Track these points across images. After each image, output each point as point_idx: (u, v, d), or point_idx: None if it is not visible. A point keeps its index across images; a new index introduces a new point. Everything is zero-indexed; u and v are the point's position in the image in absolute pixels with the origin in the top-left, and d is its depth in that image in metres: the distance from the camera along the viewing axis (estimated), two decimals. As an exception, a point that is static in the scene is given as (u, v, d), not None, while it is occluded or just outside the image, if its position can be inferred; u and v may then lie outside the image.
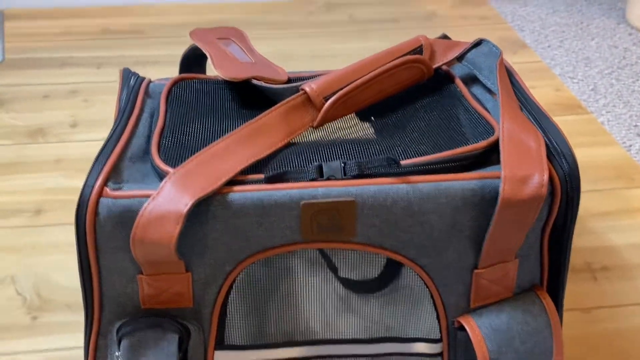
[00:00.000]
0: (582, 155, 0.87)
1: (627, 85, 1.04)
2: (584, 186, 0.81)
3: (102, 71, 1.07)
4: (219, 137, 0.47)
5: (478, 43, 0.53)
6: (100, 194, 0.41)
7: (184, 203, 0.39)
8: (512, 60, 1.10)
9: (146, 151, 0.45)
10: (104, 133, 0.90)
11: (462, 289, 0.45)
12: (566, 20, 1.26)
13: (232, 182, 0.41)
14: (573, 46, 1.16)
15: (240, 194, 0.41)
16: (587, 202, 0.79)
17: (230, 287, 0.44)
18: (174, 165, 0.43)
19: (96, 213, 0.40)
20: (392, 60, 0.50)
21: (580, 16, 1.27)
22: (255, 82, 0.51)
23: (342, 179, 0.41)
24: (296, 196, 0.41)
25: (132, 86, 0.51)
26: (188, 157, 0.43)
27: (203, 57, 0.60)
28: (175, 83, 0.53)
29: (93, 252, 0.42)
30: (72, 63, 1.09)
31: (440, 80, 0.53)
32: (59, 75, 1.06)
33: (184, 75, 0.54)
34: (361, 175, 0.41)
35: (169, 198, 0.39)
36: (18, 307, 0.64)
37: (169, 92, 0.51)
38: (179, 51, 1.08)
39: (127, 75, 0.53)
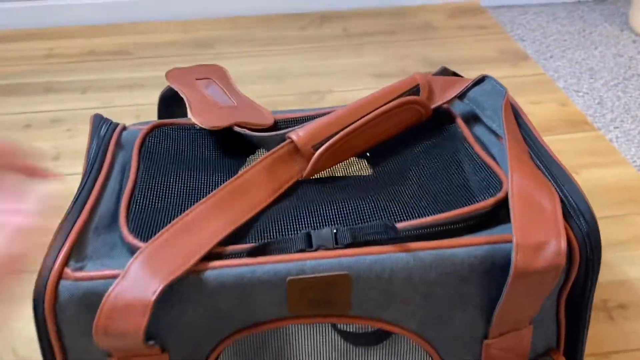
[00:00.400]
0: (591, 177, 0.83)
1: (635, 98, 1.00)
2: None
3: (87, 96, 1.02)
4: (198, 197, 0.42)
5: (481, 80, 0.49)
6: (59, 276, 0.36)
7: (151, 290, 0.35)
8: (514, 73, 1.06)
9: (114, 217, 0.41)
10: (88, 165, 0.86)
11: (471, 360, 0.40)
12: (568, 27, 1.21)
13: (210, 256, 0.37)
14: (576, 56, 1.11)
15: (217, 271, 0.37)
16: (598, 229, 0.75)
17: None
18: (144, 236, 0.38)
19: (56, 297, 0.36)
20: (387, 102, 0.46)
21: (582, 23, 1.23)
22: (237, 129, 0.46)
23: (334, 248, 0.37)
24: (282, 271, 0.36)
25: (102, 136, 0.47)
26: (161, 226, 0.39)
27: (178, 96, 0.56)
28: (150, 132, 0.48)
29: (55, 337, 0.37)
30: (56, 88, 1.05)
31: (440, 121, 0.49)
32: (42, 102, 1.01)
33: (160, 122, 0.50)
34: (355, 244, 0.37)
35: (135, 283, 0.35)
36: (-6, 367, 0.60)
37: (142, 143, 0.47)
38: (164, 71, 1.02)
39: (97, 123, 0.49)
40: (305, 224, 0.39)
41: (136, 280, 0.35)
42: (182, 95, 0.51)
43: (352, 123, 0.45)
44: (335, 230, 0.37)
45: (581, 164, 0.85)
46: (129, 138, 0.49)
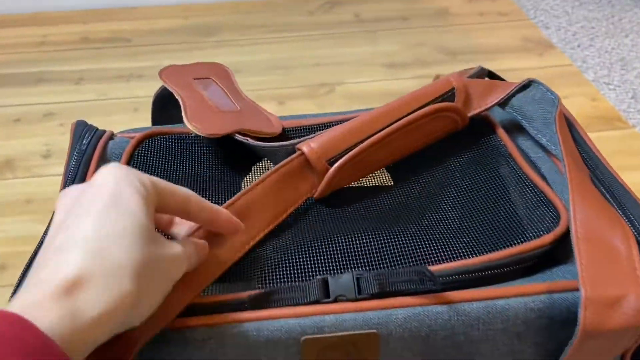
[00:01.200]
0: (628, 181, 0.76)
1: (670, 91, 0.92)
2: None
3: (82, 88, 0.96)
4: None
5: (527, 85, 0.42)
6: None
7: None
8: (539, 64, 0.98)
9: None
10: (81, 165, 0.80)
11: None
12: (595, 14, 1.13)
13: (201, 307, 0.31)
14: (605, 45, 1.03)
15: (213, 330, 0.30)
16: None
17: None
18: None
19: None
20: (416, 109, 0.39)
21: (610, 8, 1.15)
22: (239, 137, 0.40)
23: (357, 300, 0.31)
24: (295, 329, 0.30)
25: (83, 150, 0.40)
26: None
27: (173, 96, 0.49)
28: (139, 144, 0.42)
29: None
30: (48, 79, 0.98)
31: (477, 131, 0.42)
32: (34, 94, 0.95)
33: (152, 131, 0.43)
34: (382, 294, 0.31)
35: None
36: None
37: (131, 157, 0.40)
38: (167, 61, 0.96)
39: (79, 132, 0.42)
40: (319, 262, 0.33)
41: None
42: (177, 97, 0.44)
43: (375, 133, 0.39)
44: (357, 277, 0.30)
45: (616, 166, 0.78)
46: (116, 150, 0.42)
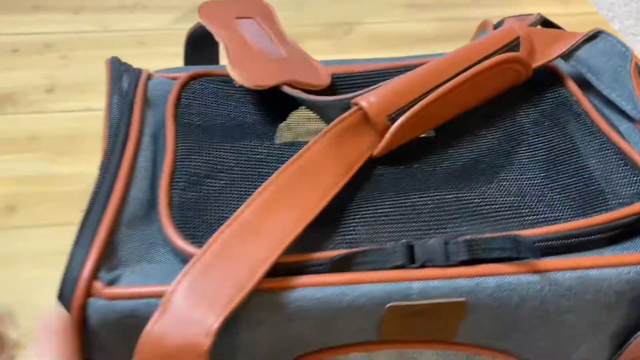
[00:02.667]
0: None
1: (696, 45, 0.90)
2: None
3: (81, 18, 0.90)
4: (254, 177, 0.33)
5: (594, 36, 0.39)
6: (88, 292, 0.27)
7: (206, 327, 0.26)
8: (563, 11, 0.95)
9: (151, 204, 0.32)
10: (88, 101, 0.76)
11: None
12: (619, -41, 1.09)
13: (283, 268, 0.29)
14: (630, -7, 1.00)
15: (297, 292, 0.28)
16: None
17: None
18: (192, 233, 0.30)
19: (84, 317, 0.27)
20: (480, 59, 0.36)
21: (634, -46, 1.10)
22: (287, 90, 0.37)
23: (445, 266, 0.29)
24: (380, 295, 0.28)
25: (125, 92, 0.36)
26: (211, 219, 0.30)
27: (208, 34, 0.45)
28: (184, 86, 0.38)
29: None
30: (44, 7, 0.92)
31: (545, 84, 0.39)
32: (31, 22, 0.89)
33: (196, 72, 0.39)
34: (472, 261, 0.29)
35: (183, 316, 0.26)
36: (-9, 343, 0.52)
37: (178, 103, 0.37)
38: None
39: (117, 72, 0.38)
40: (398, 224, 0.30)
41: (184, 312, 0.26)
42: (218, 40, 0.40)
43: (438, 86, 0.36)
44: (446, 242, 0.28)
45: None
46: (158, 92, 0.39)
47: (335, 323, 0.29)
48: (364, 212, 0.31)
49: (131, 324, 0.28)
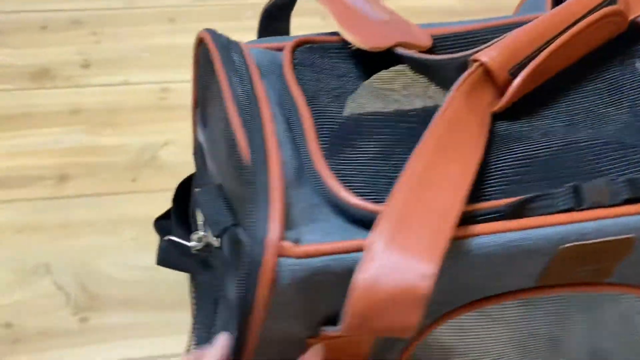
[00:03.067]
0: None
1: None
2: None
3: (108, -6, 0.90)
4: (396, 131, 0.34)
5: None
6: (279, 253, 0.28)
7: (420, 273, 0.26)
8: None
9: (299, 168, 0.32)
10: (125, 75, 0.76)
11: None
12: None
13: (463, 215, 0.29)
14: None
15: (478, 240, 0.29)
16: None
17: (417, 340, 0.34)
18: (362, 194, 0.30)
19: (274, 279, 0.28)
20: (585, 14, 0.38)
21: None
22: (401, 51, 0.37)
23: (610, 205, 0.30)
24: (558, 237, 0.30)
25: (238, 65, 0.36)
26: (372, 174, 0.31)
27: (289, 6, 0.45)
28: (294, 51, 0.38)
29: (259, 322, 0.30)
30: (69, -16, 0.91)
31: (634, 35, 0.41)
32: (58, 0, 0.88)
33: (299, 39, 0.39)
34: (634, 200, 0.30)
35: (393, 263, 0.27)
36: (61, 307, 0.53)
37: (294, 70, 0.37)
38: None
39: (224, 46, 0.37)
40: (546, 169, 0.32)
41: (394, 260, 0.27)
42: (323, 5, 0.40)
43: (551, 40, 0.36)
44: (609, 182, 0.30)
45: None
46: (264, 62, 0.38)
47: (505, 269, 0.30)
48: (511, 162, 0.32)
49: (320, 281, 0.28)
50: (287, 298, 0.29)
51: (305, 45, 0.39)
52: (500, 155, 0.33)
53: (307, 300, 0.29)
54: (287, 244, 0.28)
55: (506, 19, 0.42)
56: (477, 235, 0.29)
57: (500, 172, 0.32)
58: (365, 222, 0.29)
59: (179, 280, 0.55)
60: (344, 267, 0.28)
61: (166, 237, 0.45)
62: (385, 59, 0.38)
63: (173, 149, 0.67)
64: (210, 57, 0.37)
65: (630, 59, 0.40)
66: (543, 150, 0.33)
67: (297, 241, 0.28)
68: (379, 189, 0.30)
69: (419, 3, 0.92)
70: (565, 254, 0.30)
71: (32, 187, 0.62)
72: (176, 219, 0.50)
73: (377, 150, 0.32)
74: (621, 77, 0.39)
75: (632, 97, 0.37)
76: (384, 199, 0.29)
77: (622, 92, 0.38)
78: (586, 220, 0.30)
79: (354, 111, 0.35)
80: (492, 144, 0.33)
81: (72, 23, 0.85)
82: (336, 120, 0.34)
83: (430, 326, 0.33)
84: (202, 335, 0.43)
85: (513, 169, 0.32)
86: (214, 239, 0.36)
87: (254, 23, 0.92)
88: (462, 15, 0.90)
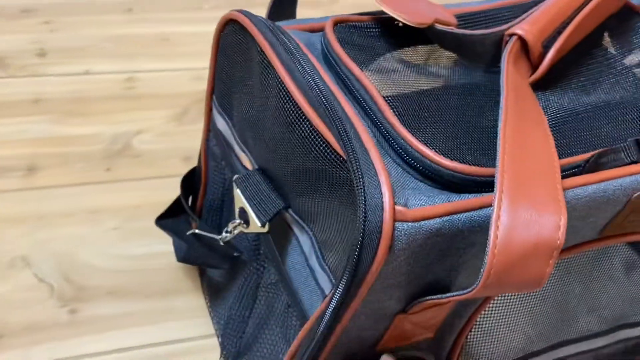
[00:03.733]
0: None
1: None
2: None
3: (58, -17, 0.86)
4: (455, 95, 0.35)
5: None
6: (396, 217, 0.28)
7: (552, 225, 0.28)
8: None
9: (381, 145, 0.32)
10: (86, 65, 0.73)
11: None
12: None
13: None
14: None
15: (573, 191, 0.31)
16: None
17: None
18: (451, 158, 0.31)
19: (391, 244, 0.28)
20: None
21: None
22: (440, 27, 0.38)
23: None
24: (630, 187, 0.32)
25: (290, 48, 0.35)
26: (452, 143, 0.32)
27: None
28: (336, 26, 0.38)
29: (365, 290, 0.30)
30: (15, -29, 0.87)
31: (625, 15, 0.44)
32: (2, -13, 0.83)
33: (336, 19, 0.39)
34: None
35: (525, 218, 0.27)
36: (46, 299, 0.51)
37: (340, 44, 0.37)
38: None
39: (269, 28, 0.36)
40: (596, 129, 0.34)
41: (523, 216, 0.27)
42: None
43: (575, 13, 0.39)
44: None
45: None
46: (305, 42, 0.38)
47: (584, 221, 0.32)
48: (562, 124, 0.34)
49: (433, 244, 0.29)
50: (398, 265, 0.29)
51: (341, 25, 0.39)
52: (551, 120, 0.35)
53: (416, 266, 0.30)
54: (402, 209, 0.28)
55: None
56: (568, 189, 0.31)
57: (558, 134, 0.34)
58: (457, 184, 0.30)
59: (165, 268, 0.53)
60: (457, 228, 0.29)
61: (190, 232, 0.44)
62: (418, 37, 0.39)
63: (146, 138, 0.66)
64: (249, 38, 0.36)
65: (626, 34, 0.44)
66: (582, 113, 0.35)
67: (406, 206, 0.29)
68: (464, 153, 0.31)
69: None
70: (637, 202, 0.33)
71: (1, 179, 0.59)
72: (191, 211, 0.48)
73: (455, 120, 0.33)
74: (620, 51, 0.42)
75: (630, 69, 0.41)
76: (471, 161, 0.31)
77: (624, 65, 0.41)
78: None
79: (413, 87, 0.36)
80: (557, 110, 0.36)
81: (22, 11, 0.81)
82: (402, 97, 0.34)
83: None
84: (232, 341, 0.43)
85: (566, 129, 0.34)
86: (259, 224, 0.35)
87: (215, 14, 0.92)
88: None
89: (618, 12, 0.44)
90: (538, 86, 0.37)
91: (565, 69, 0.39)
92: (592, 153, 0.33)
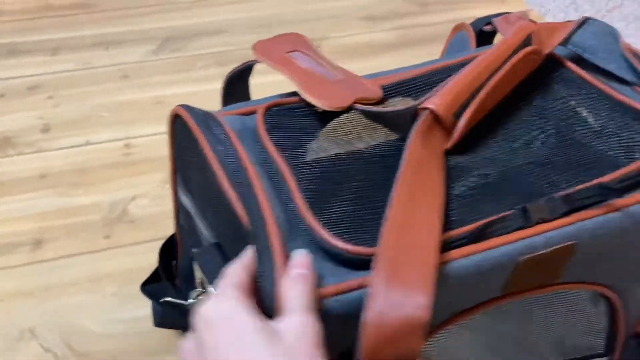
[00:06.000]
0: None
1: (621, 30, 1.02)
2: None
3: (60, 58, 0.92)
4: (366, 180, 0.38)
5: (583, 22, 0.48)
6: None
7: (420, 305, 0.31)
8: (502, 10, 1.05)
9: (290, 222, 0.36)
10: (86, 136, 0.79)
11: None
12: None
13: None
14: (558, -11, 1.12)
15: (458, 262, 0.34)
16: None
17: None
18: (345, 238, 0.35)
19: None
20: (510, 55, 0.44)
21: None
22: (359, 107, 0.42)
23: (552, 219, 0.36)
24: (514, 252, 0.35)
25: (218, 135, 0.40)
26: (358, 223, 0.35)
27: (247, 71, 0.50)
28: (265, 116, 0.42)
29: None
30: (22, 50, 0.94)
31: (552, 68, 0.47)
32: (10, 67, 0.91)
33: (269, 103, 0.43)
34: (570, 211, 0.36)
35: (394, 298, 0.31)
36: (51, 368, 0.55)
37: (270, 129, 0.41)
38: (146, 24, 0.93)
39: (201, 119, 0.41)
40: (498, 195, 0.37)
41: (395, 296, 0.31)
42: (283, 74, 0.45)
43: (484, 82, 0.42)
44: (548, 201, 0.36)
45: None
46: (238, 127, 0.42)
47: (476, 285, 0.35)
48: (465, 191, 0.38)
49: (327, 322, 0.31)
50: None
51: (273, 108, 0.43)
52: (456, 187, 0.38)
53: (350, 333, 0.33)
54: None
55: (441, 63, 0.47)
56: (452, 260, 0.34)
57: (458, 202, 0.37)
58: (355, 263, 0.34)
59: (159, 329, 0.58)
60: (347, 306, 0.32)
61: (162, 299, 0.47)
62: (345, 112, 0.43)
63: (141, 202, 0.71)
64: (190, 130, 0.41)
65: (549, 85, 0.46)
66: (490, 177, 0.38)
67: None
68: (364, 232, 0.35)
69: (355, 40, 0.98)
70: (522, 266, 0.36)
71: (10, 254, 0.65)
72: (165, 279, 0.53)
73: (356, 197, 0.37)
74: (544, 103, 0.45)
75: (555, 118, 0.43)
76: (369, 241, 0.34)
77: (547, 117, 0.44)
78: (535, 235, 0.36)
79: (327, 164, 0.39)
80: (448, 177, 0.38)
81: (27, 89, 0.87)
82: (315, 174, 0.38)
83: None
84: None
85: (467, 197, 0.37)
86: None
87: (207, 72, 0.97)
88: (397, 47, 0.96)
89: (543, 66, 0.47)
90: (455, 151, 0.40)
91: (485, 131, 0.42)
92: (482, 222, 0.35)
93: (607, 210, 0.37)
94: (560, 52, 0.49)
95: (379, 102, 0.43)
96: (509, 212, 0.36)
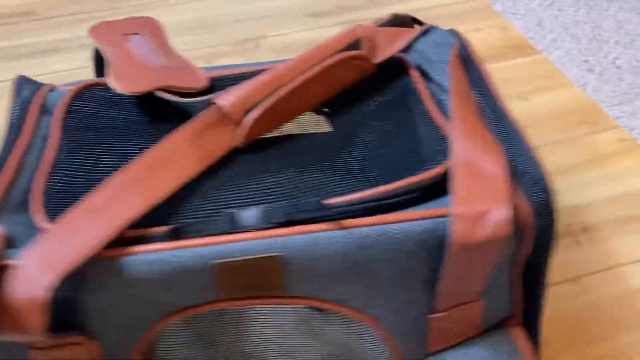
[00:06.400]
0: (540, 102, 0.82)
1: (571, 15, 0.99)
2: (547, 137, 0.77)
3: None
4: (104, 172, 0.39)
5: (427, 30, 0.46)
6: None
7: (43, 285, 0.31)
8: (450, 1, 1.03)
9: (26, 197, 0.37)
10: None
11: (420, 335, 0.38)
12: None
13: (125, 240, 0.34)
14: (511, -24, 1.09)
15: (136, 257, 0.33)
16: (553, 156, 0.75)
17: (151, 347, 0.37)
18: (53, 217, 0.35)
19: None
20: (325, 59, 0.42)
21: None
22: (159, 94, 0.42)
23: (262, 228, 0.34)
24: (207, 255, 0.34)
25: (24, 98, 0.42)
26: (62, 203, 0.36)
27: None
28: (78, 94, 0.43)
29: None
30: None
31: (393, 75, 0.45)
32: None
33: (92, 81, 0.44)
34: (288, 223, 0.34)
35: (28, 277, 0.31)
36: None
37: (69, 106, 0.42)
38: (83, 31, 0.91)
39: (21, 84, 0.43)
40: (236, 200, 0.36)
41: (30, 273, 0.31)
42: (103, 55, 0.45)
43: (288, 84, 0.41)
44: (264, 209, 0.34)
45: (529, 90, 0.84)
46: (55, 101, 0.44)
47: (176, 283, 0.34)
48: (210, 193, 0.37)
49: None
50: None
51: (91, 88, 0.43)
52: (209, 186, 0.37)
53: None
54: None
55: (271, 64, 0.46)
56: (132, 254, 0.33)
57: (200, 199, 0.36)
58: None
59: None
60: None
61: None
62: (152, 103, 0.43)
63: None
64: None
65: (377, 91, 0.44)
66: (242, 182, 0.37)
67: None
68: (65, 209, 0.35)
69: (296, 38, 0.96)
70: (221, 270, 0.34)
71: None
72: None
73: (91, 183, 0.37)
74: (357, 114, 0.43)
75: (354, 123, 0.41)
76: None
77: (345, 122, 0.42)
78: (236, 241, 0.34)
79: (98, 147, 0.40)
80: (215, 175, 0.38)
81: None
82: (77, 155, 0.39)
83: (145, 334, 0.36)
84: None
85: (211, 196, 0.36)
86: None
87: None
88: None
89: (386, 71, 0.44)
90: (248, 150, 0.40)
91: (287, 136, 0.41)
92: (183, 223, 0.34)
93: (326, 228, 0.34)
94: (410, 56, 0.46)
95: (202, 92, 0.43)
96: (220, 217, 0.34)
